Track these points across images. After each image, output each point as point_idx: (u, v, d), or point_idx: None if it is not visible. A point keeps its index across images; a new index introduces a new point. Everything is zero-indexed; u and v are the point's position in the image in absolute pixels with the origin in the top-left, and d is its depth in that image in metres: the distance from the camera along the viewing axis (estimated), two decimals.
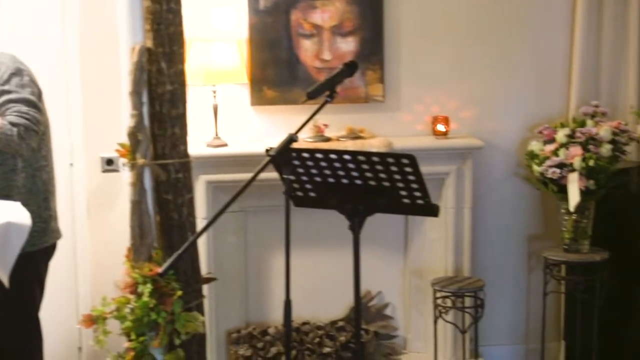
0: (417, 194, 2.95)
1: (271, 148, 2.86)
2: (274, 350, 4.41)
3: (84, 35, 4.22)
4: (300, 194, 3.13)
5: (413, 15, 4.47)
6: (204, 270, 3.91)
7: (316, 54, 4.42)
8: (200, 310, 3.59)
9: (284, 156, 2.90)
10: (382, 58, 4.44)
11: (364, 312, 4.55)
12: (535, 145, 4.27)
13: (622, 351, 4.46)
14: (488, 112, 4.57)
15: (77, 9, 4.22)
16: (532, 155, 4.26)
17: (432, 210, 3.03)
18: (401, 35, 4.47)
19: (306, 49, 4.41)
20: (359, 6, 4.38)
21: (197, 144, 4.18)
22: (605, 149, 4.10)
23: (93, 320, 3.44)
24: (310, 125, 4.25)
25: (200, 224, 3.66)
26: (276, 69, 4.40)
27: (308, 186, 3.09)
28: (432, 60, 4.51)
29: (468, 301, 4.25)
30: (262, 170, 2.81)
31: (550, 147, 4.18)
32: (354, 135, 4.34)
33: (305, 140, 4.25)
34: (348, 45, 4.43)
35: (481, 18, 4.52)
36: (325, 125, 4.33)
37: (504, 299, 4.71)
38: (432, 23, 4.49)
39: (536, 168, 4.21)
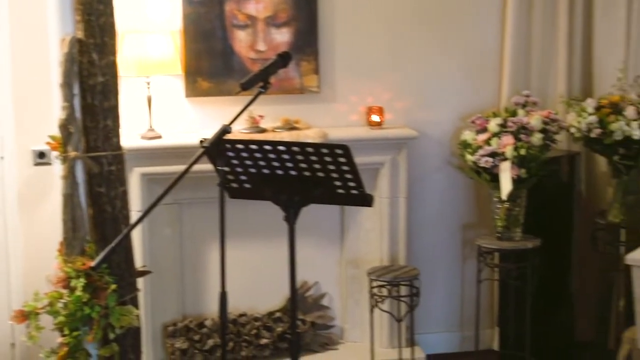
0: (352, 184, 2.96)
1: (205, 139, 2.85)
2: (210, 342, 4.40)
3: (14, 26, 4.14)
4: (235, 185, 3.12)
5: (347, 6, 4.48)
6: (138, 263, 3.88)
7: (251, 45, 4.40)
8: (135, 304, 3.56)
9: (218, 147, 2.89)
10: (317, 49, 4.44)
11: (301, 302, 4.56)
12: (468, 135, 4.32)
13: (554, 336, 4.55)
14: (422, 102, 4.61)
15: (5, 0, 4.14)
16: (465, 145, 4.31)
17: (366, 200, 3.04)
18: (336, 27, 4.48)
19: (241, 40, 4.40)
20: None
21: (131, 136, 4.14)
22: (536, 138, 4.17)
23: (25, 316, 3.40)
24: (245, 116, 4.25)
25: (134, 216, 3.63)
26: (211, 60, 4.38)
27: (243, 177, 3.08)
28: (366, 52, 4.53)
29: (404, 290, 4.29)
30: (195, 162, 2.79)
31: (482, 137, 4.23)
32: (290, 126, 4.34)
33: (240, 131, 4.24)
34: (283, 36, 4.42)
35: (415, 9, 4.55)
36: (261, 117, 4.32)
37: (439, 287, 4.77)
38: (366, 14, 4.51)
39: (469, 157, 4.25)
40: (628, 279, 3.10)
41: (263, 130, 4.28)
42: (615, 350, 3.30)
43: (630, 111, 4.10)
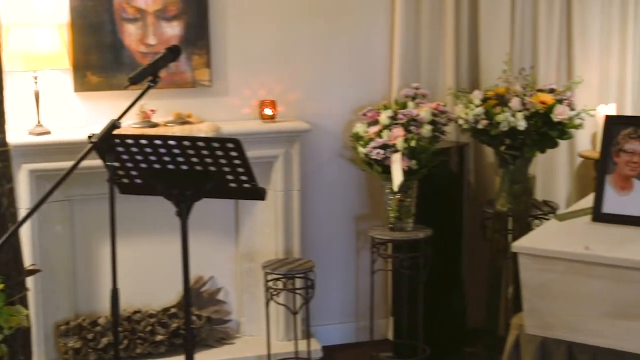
0: (244, 177, 2.96)
1: (93, 135, 2.81)
2: (104, 340, 4.33)
3: None
4: (125, 180, 3.08)
5: None
6: (28, 262, 3.80)
7: (141, 39, 4.35)
8: (24, 304, 3.48)
9: (107, 143, 2.86)
10: (208, 42, 4.42)
11: (196, 297, 4.54)
12: (359, 127, 4.36)
13: (446, 323, 4.65)
14: (314, 95, 4.64)
15: None
16: (357, 137, 4.35)
17: (259, 194, 3.05)
18: (227, 20, 4.47)
19: (130, 33, 4.34)
20: None
21: (19, 132, 4.04)
22: (426, 130, 4.24)
23: None
24: (137, 111, 4.20)
25: (23, 214, 3.54)
26: (100, 54, 4.31)
27: (133, 173, 3.05)
28: (258, 45, 4.53)
29: (299, 282, 4.32)
30: (83, 157, 2.75)
31: (374, 129, 4.28)
32: (182, 121, 4.31)
33: (131, 126, 4.18)
34: (173, 30, 4.38)
35: (305, 1, 4.57)
36: (152, 111, 4.27)
37: (334, 279, 4.82)
38: (257, 7, 4.51)
39: (361, 149, 4.30)
40: (516, 266, 3.19)
41: (155, 125, 4.24)
42: (505, 336, 3.39)
43: (515, 102, 4.21)
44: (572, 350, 3.07)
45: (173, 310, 4.51)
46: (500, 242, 4.45)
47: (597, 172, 3.36)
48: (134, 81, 2.94)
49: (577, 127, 4.31)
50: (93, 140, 2.78)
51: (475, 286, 4.78)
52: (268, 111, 4.48)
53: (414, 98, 4.42)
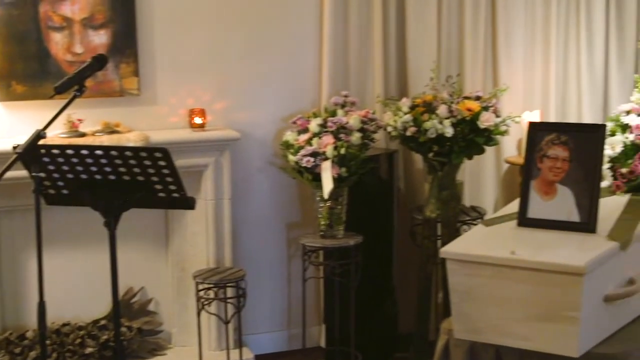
0: (172, 187, 2.96)
1: (18, 145, 2.77)
2: (32, 354, 4.26)
3: None
4: (52, 191, 3.05)
5: (166, 8, 4.44)
6: None
7: (67, 48, 4.30)
8: None
9: (33, 153, 2.82)
10: (136, 51, 4.39)
11: (126, 308, 4.49)
12: (289, 135, 4.37)
13: (378, 329, 4.68)
14: (243, 103, 4.64)
15: None
16: (287, 145, 4.36)
17: (188, 203, 3.05)
18: (155, 29, 4.44)
19: (57, 42, 4.29)
20: None
21: None
22: (355, 137, 4.27)
23: None
24: (64, 120, 4.15)
25: None
26: (26, 63, 4.24)
27: (60, 183, 3.02)
28: (186, 53, 4.51)
29: (230, 291, 4.31)
30: (8, 168, 2.72)
31: (304, 137, 4.30)
32: (110, 130, 4.26)
33: (59, 136, 4.13)
34: (100, 38, 4.34)
35: (233, 10, 4.57)
36: (80, 121, 4.23)
37: (266, 287, 4.81)
38: (184, 16, 4.49)
39: (291, 157, 4.31)
40: (445, 272, 3.24)
41: (82, 135, 4.19)
42: (436, 340, 3.43)
43: (442, 110, 4.27)
44: (500, 354, 3.12)
45: (103, 322, 4.45)
46: (430, 248, 4.49)
47: (522, 177, 3.42)
48: (59, 90, 2.92)
49: (503, 133, 4.39)
50: (18, 150, 2.76)
51: (406, 292, 4.82)
52: (197, 120, 4.46)
53: (343, 106, 4.46)
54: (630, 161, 3.81)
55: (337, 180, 4.20)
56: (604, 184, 3.69)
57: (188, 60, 4.52)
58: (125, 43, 4.37)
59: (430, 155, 4.37)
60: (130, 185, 2.92)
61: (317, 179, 4.24)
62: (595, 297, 3.01)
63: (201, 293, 4.27)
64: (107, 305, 4.44)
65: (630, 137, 3.89)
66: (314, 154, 4.21)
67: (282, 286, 4.87)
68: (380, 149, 4.68)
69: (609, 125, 3.97)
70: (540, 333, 2.99)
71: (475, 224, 4.43)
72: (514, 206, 3.52)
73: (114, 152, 2.88)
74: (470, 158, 4.45)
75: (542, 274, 2.95)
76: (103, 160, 2.89)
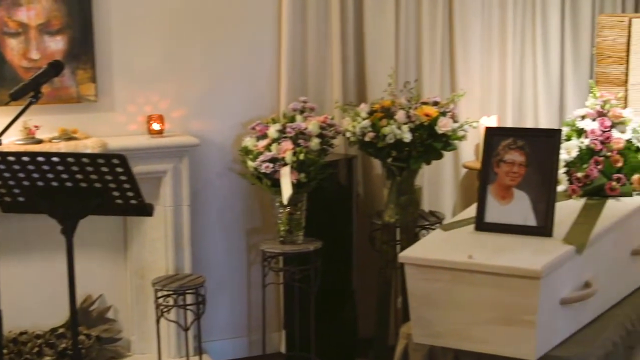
0: (130, 194, 2.94)
1: None
2: None
3: None
4: (8, 199, 3.02)
5: (123, 14, 4.42)
6: None
7: (23, 53, 4.25)
8: None
9: None
10: (93, 57, 4.36)
11: (85, 316, 4.45)
12: (248, 141, 4.37)
13: (338, 334, 4.69)
14: (202, 109, 4.62)
15: None
16: (246, 151, 4.36)
17: (146, 210, 3.03)
18: (112, 35, 4.41)
19: (12, 48, 4.24)
20: (66, 4, 4.26)
21: None
22: (314, 143, 4.28)
23: None
24: (20, 127, 4.11)
25: None
26: None
27: (16, 191, 2.99)
28: (143, 60, 4.49)
29: (189, 298, 4.29)
30: None
31: (263, 143, 4.29)
32: (67, 137, 4.23)
33: (15, 142, 4.09)
34: (57, 44, 4.30)
35: (190, 16, 4.55)
36: (37, 127, 4.18)
37: (226, 294, 4.80)
38: (142, 22, 4.46)
39: (250, 163, 4.30)
40: (404, 277, 3.25)
41: (39, 141, 4.15)
42: (395, 345, 3.45)
43: (400, 115, 4.29)
44: (458, 358, 3.14)
45: (61, 330, 4.41)
46: (389, 253, 4.51)
47: (479, 182, 3.45)
48: (15, 97, 2.89)
49: (461, 138, 4.42)
50: None
51: (365, 297, 4.83)
52: (156, 126, 4.44)
53: (302, 112, 4.46)
54: (585, 165, 3.86)
55: (296, 186, 4.21)
56: (560, 188, 3.73)
57: (146, 67, 4.49)
58: (82, 49, 4.33)
59: (389, 160, 4.39)
60: (87, 192, 2.90)
61: (276, 184, 4.24)
62: (552, 300, 3.05)
63: (160, 300, 4.24)
64: (65, 313, 4.39)
65: (586, 141, 3.93)
66: (272, 160, 4.21)
67: (242, 292, 4.85)
68: (339, 154, 4.69)
69: (565, 130, 4.01)
70: (498, 336, 3.02)
71: (433, 229, 4.46)
72: (471, 211, 3.55)
73: (70, 159, 2.85)
74: (428, 163, 4.47)
75: (499, 278, 2.98)
76: (60, 167, 2.86)
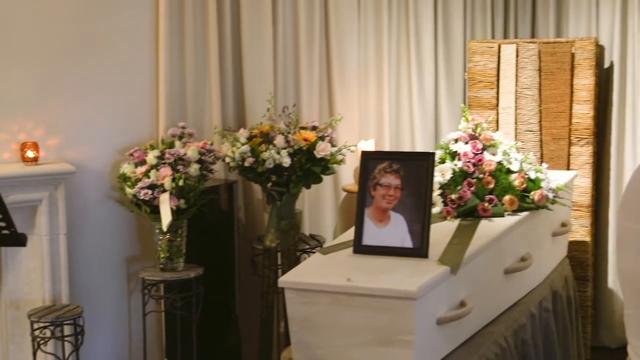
0: (2, 224, 2.87)
1: None
2: None
3: None
4: None
5: None
6: None
7: None
8: None
9: None
10: None
11: None
12: (127, 168, 4.32)
13: None
14: (78, 136, 4.53)
15: None
16: (125, 178, 4.31)
17: (19, 240, 2.97)
18: None
19: None
20: None
21: None
22: (194, 169, 4.26)
23: None
24: None
25: None
26: None
27: None
28: (16, 87, 4.35)
29: (67, 329, 4.19)
30: None
31: (141, 169, 4.25)
32: None
33: None
34: None
35: (64, 42, 4.44)
36: None
37: (106, 324, 4.70)
38: (10, 49, 4.32)
39: (129, 190, 4.25)
40: (285, 301, 3.27)
41: None
42: None
43: (279, 140, 4.32)
44: None
45: None
46: (271, 278, 4.53)
47: (357, 205, 3.51)
48: None
49: (339, 162, 4.49)
50: None
51: (249, 322, 4.83)
52: (30, 153, 4.33)
53: (181, 137, 4.44)
54: (459, 187, 3.97)
55: (176, 212, 4.18)
56: (435, 210, 3.82)
57: (18, 94, 4.36)
58: None
59: (269, 185, 4.41)
60: None
61: (155, 211, 4.20)
62: (428, 320, 3.11)
63: (37, 332, 4.13)
64: None
65: (459, 164, 4.04)
66: (151, 187, 4.17)
67: (123, 322, 4.77)
68: (220, 179, 4.69)
69: (439, 153, 4.12)
70: (377, 358, 3.06)
71: (314, 252, 4.49)
72: (350, 234, 3.60)
73: None
74: (308, 187, 4.52)
75: (377, 300, 3.02)
76: None
